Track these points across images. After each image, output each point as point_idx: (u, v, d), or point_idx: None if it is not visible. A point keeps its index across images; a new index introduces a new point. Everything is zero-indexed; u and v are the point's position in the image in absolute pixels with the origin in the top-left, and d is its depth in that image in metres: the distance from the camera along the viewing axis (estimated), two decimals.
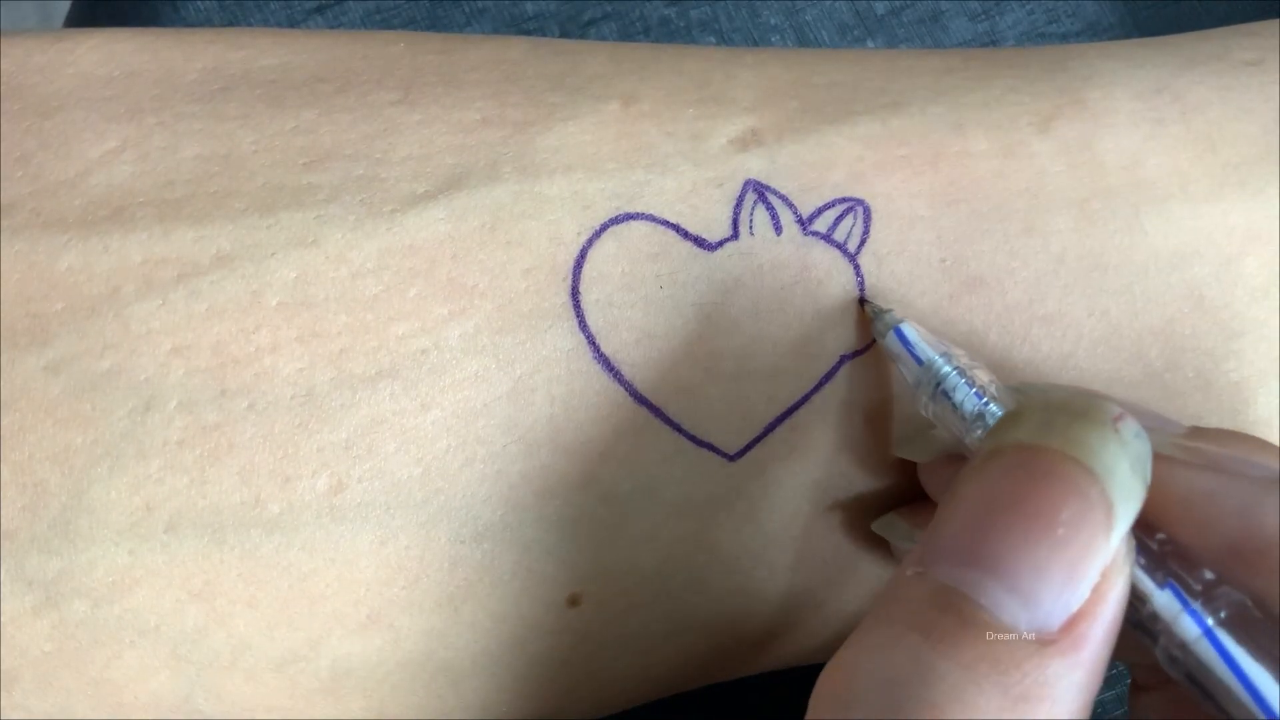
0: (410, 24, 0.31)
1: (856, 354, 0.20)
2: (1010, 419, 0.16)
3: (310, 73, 0.21)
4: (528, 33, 0.31)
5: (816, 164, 0.20)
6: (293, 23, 0.31)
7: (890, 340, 0.19)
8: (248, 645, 0.19)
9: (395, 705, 0.20)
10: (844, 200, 0.20)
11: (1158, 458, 0.16)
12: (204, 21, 0.31)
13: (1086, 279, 0.20)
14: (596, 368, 0.19)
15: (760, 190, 0.20)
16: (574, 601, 0.20)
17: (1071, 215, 0.20)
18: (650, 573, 0.20)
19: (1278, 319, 0.20)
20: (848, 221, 0.20)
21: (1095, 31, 0.32)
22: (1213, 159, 0.20)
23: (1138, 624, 0.15)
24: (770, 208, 0.20)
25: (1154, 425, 0.17)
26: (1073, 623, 0.14)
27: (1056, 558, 0.14)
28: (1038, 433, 0.15)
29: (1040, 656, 0.14)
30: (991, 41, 0.32)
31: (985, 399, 0.17)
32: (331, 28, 0.31)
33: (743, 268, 0.20)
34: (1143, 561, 0.15)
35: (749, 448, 0.20)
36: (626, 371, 0.19)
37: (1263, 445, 0.17)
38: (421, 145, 0.20)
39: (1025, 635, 0.14)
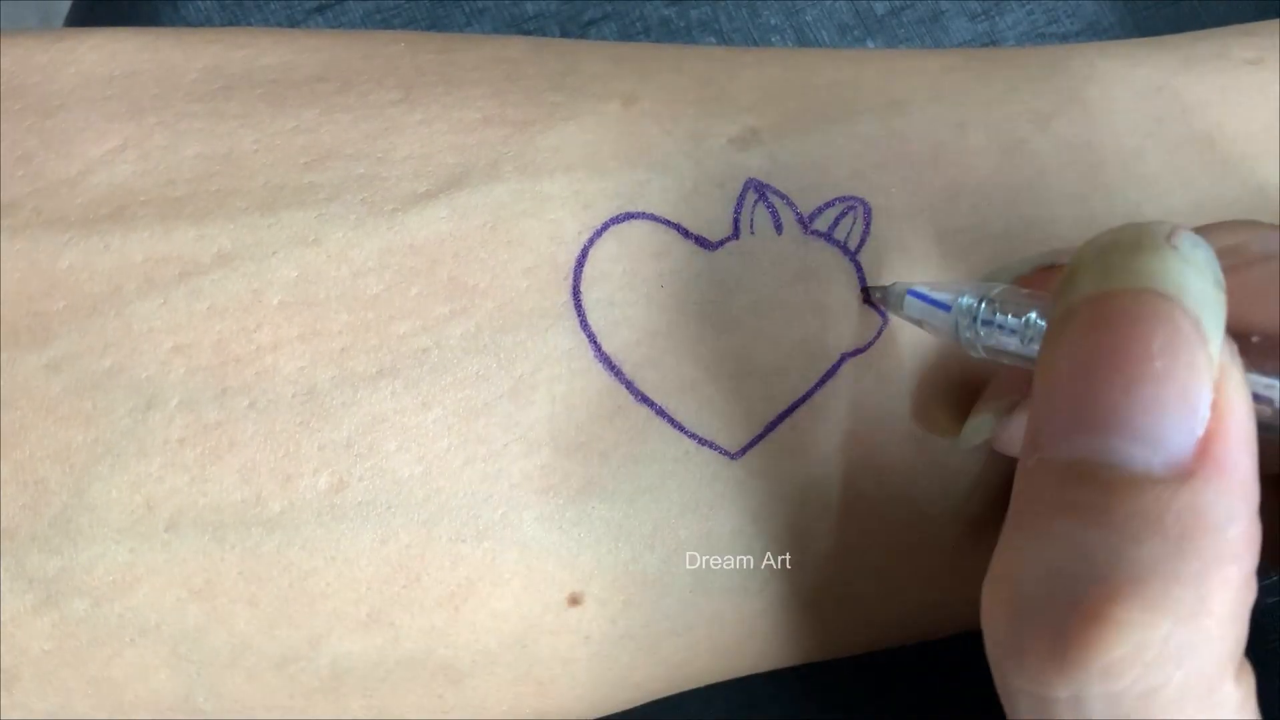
0: (410, 24, 0.31)
1: (857, 352, 0.20)
2: (1069, 278, 0.15)
3: (311, 72, 0.21)
4: (528, 33, 0.31)
5: (817, 163, 0.20)
6: (293, 23, 0.31)
7: (910, 305, 0.18)
8: (248, 644, 0.19)
9: (395, 704, 0.20)
10: (844, 199, 0.20)
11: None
12: (204, 21, 0.31)
13: None
14: (598, 367, 0.19)
15: (761, 189, 0.20)
16: (575, 601, 0.20)
17: (1071, 212, 0.20)
18: (651, 572, 0.20)
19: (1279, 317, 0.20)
20: (848, 220, 0.20)
21: (1095, 31, 0.32)
22: (1213, 157, 0.20)
23: (1267, 427, 0.15)
24: (771, 207, 0.20)
25: None
26: (1205, 448, 0.14)
27: (1164, 390, 0.14)
28: (1100, 280, 0.15)
29: (1187, 491, 0.14)
30: (991, 41, 0.32)
31: (1028, 302, 0.17)
32: (332, 28, 0.31)
33: (744, 267, 0.20)
34: (1250, 365, 0.15)
35: (750, 446, 0.20)
36: (628, 370, 0.19)
37: (1256, 224, 0.17)
38: (422, 144, 0.20)
39: (1164, 477, 0.14)
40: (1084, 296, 0.15)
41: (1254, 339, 0.15)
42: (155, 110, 0.20)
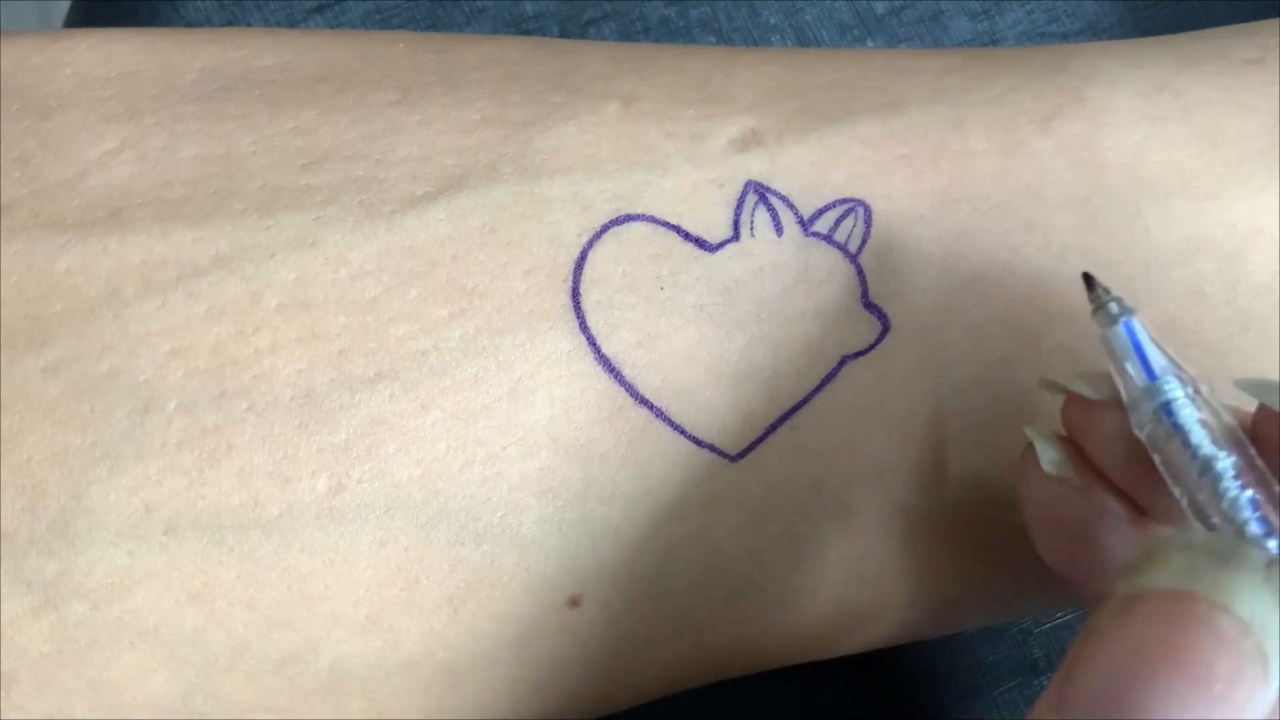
0: (410, 24, 0.31)
1: (858, 354, 0.20)
2: (1149, 559, 0.14)
3: (310, 73, 0.21)
4: (528, 33, 0.31)
5: (817, 164, 0.20)
6: (292, 23, 0.31)
7: (1117, 336, 0.16)
8: (247, 646, 0.19)
9: (395, 706, 0.20)
10: (845, 201, 0.20)
11: None
12: (203, 21, 0.31)
13: None
14: (597, 369, 0.19)
15: (761, 191, 0.20)
16: (574, 603, 0.20)
17: (1073, 213, 0.20)
18: (651, 574, 0.20)
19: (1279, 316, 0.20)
20: (849, 222, 0.20)
21: (1095, 31, 0.32)
22: (1214, 156, 0.20)
23: None
24: (771, 208, 0.20)
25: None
26: None
27: (1214, 716, 0.13)
28: (1183, 579, 0.14)
29: None
30: (991, 41, 0.32)
31: (1225, 453, 0.15)
32: (331, 28, 0.31)
33: (744, 269, 0.20)
34: None
35: (750, 449, 0.20)
36: (627, 373, 0.19)
37: None
38: (421, 146, 0.20)
39: None
40: (1159, 588, 0.14)
41: None
42: (153, 111, 0.20)
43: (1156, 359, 0.16)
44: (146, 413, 0.18)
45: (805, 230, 0.20)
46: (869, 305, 0.20)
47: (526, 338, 0.19)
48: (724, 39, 0.31)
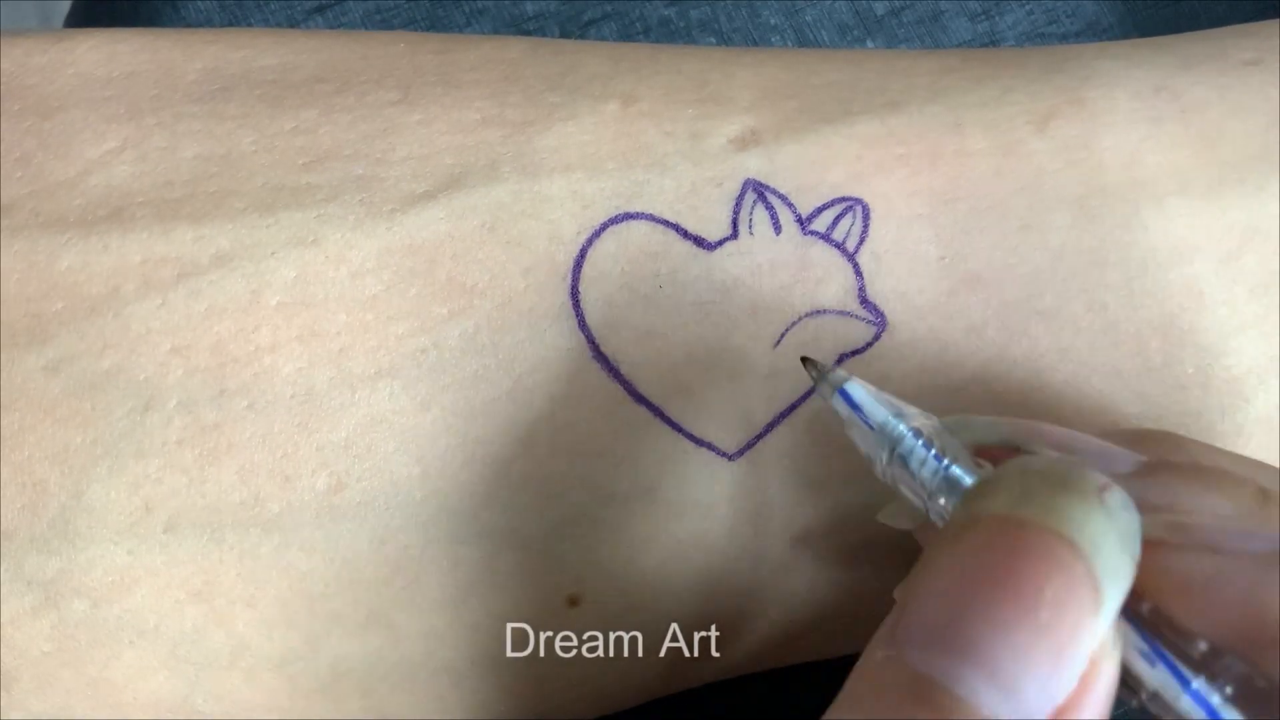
0: (410, 24, 0.31)
1: (856, 353, 0.20)
2: (985, 487, 0.15)
3: (310, 73, 0.21)
4: (528, 33, 0.31)
5: (815, 163, 0.20)
6: (293, 23, 0.31)
7: (836, 403, 0.17)
8: (247, 645, 0.19)
9: (395, 705, 0.20)
10: (843, 200, 0.20)
11: (1148, 543, 0.14)
12: (204, 22, 0.31)
13: (1085, 275, 0.20)
14: (596, 367, 0.19)
15: (759, 190, 0.20)
16: (574, 601, 0.20)
17: (1070, 212, 0.20)
18: (651, 572, 0.20)
19: (1277, 315, 0.20)
20: (846, 221, 0.20)
21: (1095, 31, 0.32)
22: (1211, 157, 0.20)
23: (1136, 708, 0.14)
24: (769, 207, 0.20)
25: (1104, 453, 0.16)
26: (1059, 714, 0.13)
27: (1040, 643, 0.13)
28: (1016, 503, 0.14)
29: None
30: (991, 42, 0.32)
31: (946, 462, 0.16)
32: (331, 28, 0.31)
33: (742, 267, 0.20)
34: (1134, 636, 0.14)
35: (748, 447, 0.20)
36: (626, 371, 0.19)
37: (1230, 485, 0.16)
38: (421, 145, 0.20)
39: None
40: (993, 512, 0.14)
41: (1146, 606, 0.14)
42: (154, 111, 0.20)
43: (876, 413, 0.17)
44: (147, 411, 0.18)
45: (803, 229, 0.20)
46: (866, 304, 0.20)
47: (526, 336, 0.19)
48: (724, 39, 0.31)
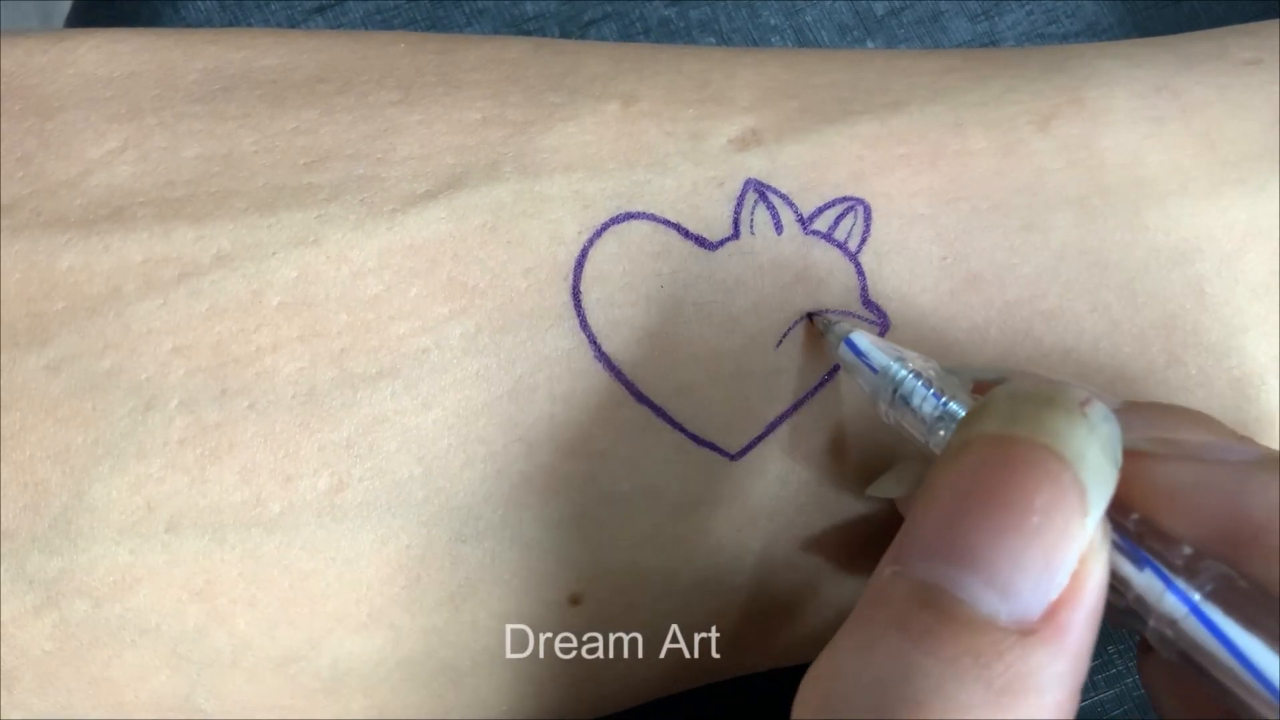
0: (410, 24, 0.31)
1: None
2: (977, 411, 0.16)
3: (311, 73, 0.21)
4: (528, 33, 0.31)
5: (817, 163, 0.20)
6: (293, 23, 0.31)
7: (843, 351, 0.19)
8: (248, 644, 0.19)
9: (396, 704, 0.20)
10: (844, 199, 0.20)
11: (1134, 455, 0.16)
12: (204, 22, 0.31)
13: (1087, 275, 0.20)
14: (597, 367, 0.19)
15: (761, 190, 0.20)
16: (575, 601, 0.20)
17: (1071, 212, 0.20)
18: (651, 572, 0.20)
19: (1279, 315, 0.20)
20: (848, 220, 0.20)
21: (1095, 31, 0.32)
22: (1212, 156, 0.20)
23: (1125, 608, 0.15)
24: (771, 207, 0.20)
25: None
26: (1053, 611, 0.14)
27: (1032, 547, 0.14)
28: (1006, 422, 0.15)
29: (1022, 647, 0.14)
30: (991, 42, 0.32)
31: (945, 399, 0.17)
32: (332, 28, 0.31)
33: (743, 267, 0.20)
34: (1121, 543, 0.15)
35: (750, 447, 0.20)
36: (627, 371, 0.19)
37: (1205, 420, 0.17)
38: (422, 145, 0.20)
39: (1006, 627, 0.14)
40: (985, 433, 0.15)
41: (1134, 517, 0.16)
42: (155, 111, 0.20)
43: (878, 358, 0.18)
44: (148, 411, 0.18)
45: (805, 228, 0.20)
46: (868, 304, 0.20)
47: (527, 336, 0.19)
48: (724, 40, 0.31)
